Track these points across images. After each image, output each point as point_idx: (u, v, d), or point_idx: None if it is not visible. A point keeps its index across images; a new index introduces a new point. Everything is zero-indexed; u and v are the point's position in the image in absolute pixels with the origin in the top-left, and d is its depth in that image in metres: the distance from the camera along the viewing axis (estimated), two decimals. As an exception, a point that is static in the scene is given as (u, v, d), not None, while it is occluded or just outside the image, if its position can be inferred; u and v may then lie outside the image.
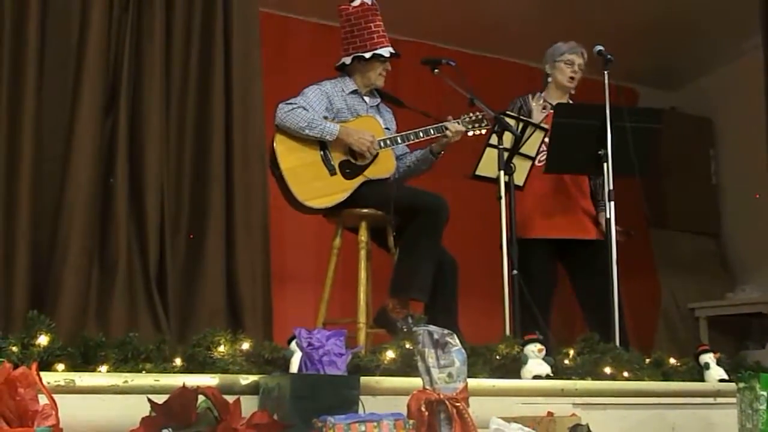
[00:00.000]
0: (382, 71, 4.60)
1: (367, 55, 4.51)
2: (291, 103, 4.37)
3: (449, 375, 2.77)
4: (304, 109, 4.36)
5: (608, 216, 4.47)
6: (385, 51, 4.53)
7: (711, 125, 7.74)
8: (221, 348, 3.02)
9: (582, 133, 4.58)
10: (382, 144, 4.45)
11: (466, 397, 2.78)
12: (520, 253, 4.68)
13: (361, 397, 2.76)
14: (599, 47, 4.64)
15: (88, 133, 3.37)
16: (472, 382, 2.91)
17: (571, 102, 5.05)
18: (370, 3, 4.51)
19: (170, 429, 2.40)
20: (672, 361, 4.05)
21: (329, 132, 4.35)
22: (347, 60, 4.55)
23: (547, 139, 4.66)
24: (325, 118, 4.42)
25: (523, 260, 4.72)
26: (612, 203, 4.49)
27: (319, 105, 4.44)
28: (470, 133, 4.59)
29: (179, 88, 3.70)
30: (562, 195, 4.90)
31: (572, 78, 4.98)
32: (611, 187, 4.49)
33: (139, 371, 2.88)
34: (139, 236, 3.47)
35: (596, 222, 4.95)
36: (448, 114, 4.60)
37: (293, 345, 2.97)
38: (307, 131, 4.33)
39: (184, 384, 2.52)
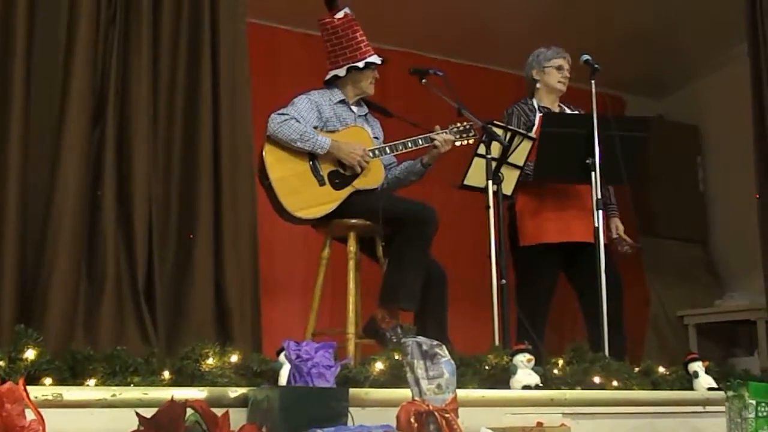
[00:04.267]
0: (372, 79, 4.64)
1: (361, 64, 4.54)
2: (283, 114, 4.38)
3: (438, 386, 2.77)
4: (296, 120, 4.37)
5: (596, 225, 4.47)
6: (377, 59, 4.57)
7: (698, 133, 7.77)
8: (210, 360, 3.01)
9: (569, 142, 4.59)
10: (371, 154, 4.46)
11: (456, 408, 2.78)
12: (527, 260, 4.72)
13: (350, 409, 2.75)
14: (586, 56, 4.66)
15: (76, 146, 3.35)
16: (462, 393, 2.91)
17: (561, 106, 5.07)
18: (351, 14, 4.54)
19: (159, 443, 2.39)
20: (661, 369, 4.06)
21: (320, 146, 4.36)
22: (341, 72, 4.57)
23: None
24: (315, 127, 4.43)
25: (530, 267, 4.76)
26: (600, 212, 4.50)
27: (309, 115, 4.45)
28: (458, 143, 4.61)
29: (167, 99, 3.68)
30: (565, 199, 4.88)
31: (562, 82, 5.02)
32: (599, 196, 4.50)
33: (128, 385, 2.86)
34: (127, 248, 3.44)
35: (605, 226, 4.96)
36: (436, 124, 4.61)
37: (282, 357, 2.96)
38: (299, 144, 4.34)
39: (172, 397, 2.51)
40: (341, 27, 4.53)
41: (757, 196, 5.11)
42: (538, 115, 4.91)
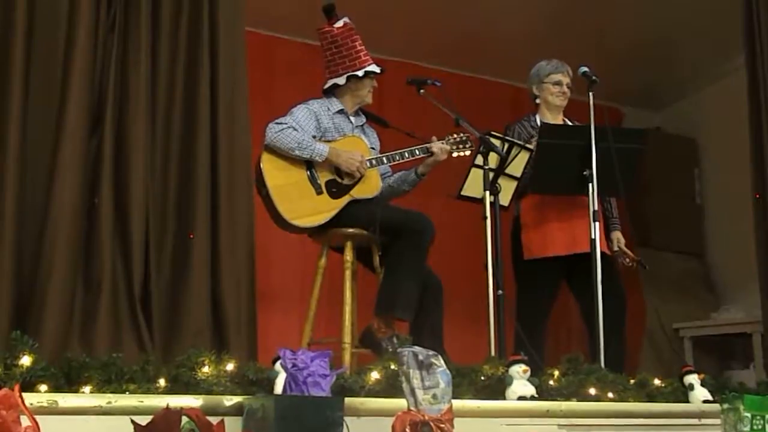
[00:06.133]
0: (371, 88, 4.65)
1: (360, 73, 4.55)
2: (281, 123, 4.38)
3: (434, 396, 2.77)
4: (294, 129, 4.37)
5: (593, 236, 4.47)
6: (376, 68, 4.58)
7: (695, 145, 7.78)
8: (205, 369, 3.01)
9: (567, 154, 4.59)
10: (368, 164, 4.46)
11: (451, 418, 2.78)
12: (530, 272, 4.74)
13: (346, 419, 2.74)
14: (584, 68, 4.66)
15: (73, 153, 3.35)
16: (457, 403, 2.91)
17: (566, 120, 5.07)
18: (350, 23, 4.55)
19: (153, 451, 2.39)
20: (656, 382, 4.05)
21: (319, 153, 4.36)
22: (340, 80, 4.57)
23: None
24: (313, 137, 4.44)
25: (533, 279, 4.77)
26: (597, 223, 4.50)
27: (308, 125, 4.45)
28: (454, 155, 4.62)
29: (165, 108, 3.69)
30: (570, 208, 4.84)
31: (560, 97, 5.00)
32: (596, 208, 4.50)
33: (123, 392, 2.86)
34: (124, 256, 3.45)
35: (607, 238, 4.97)
36: (434, 134, 4.61)
37: (278, 366, 2.95)
38: (297, 152, 4.34)
39: (167, 405, 2.51)
40: (341, 36, 4.54)
41: (757, 195, 5.10)
42: None
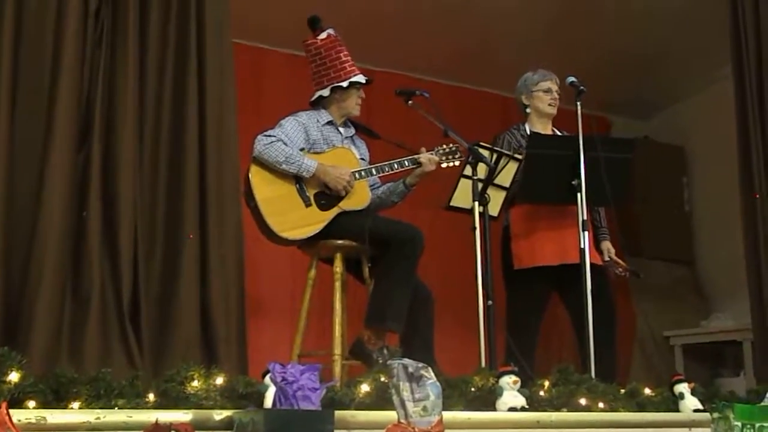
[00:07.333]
0: (358, 99, 4.64)
1: (345, 84, 4.54)
2: (270, 136, 4.37)
3: (424, 408, 2.77)
4: (283, 143, 4.36)
5: (582, 246, 4.47)
6: (361, 78, 4.58)
7: (683, 153, 7.82)
8: (195, 383, 2.99)
9: (555, 164, 4.59)
10: (357, 175, 4.46)
11: (442, 430, 2.78)
12: (520, 282, 4.74)
13: (336, 432, 2.75)
14: (572, 78, 4.66)
15: (61, 167, 3.35)
16: (447, 415, 2.90)
17: (555, 130, 5.08)
18: (334, 34, 4.55)
19: (143, 467, 2.38)
20: (647, 391, 4.05)
21: (306, 169, 4.35)
22: (325, 92, 4.57)
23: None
24: (302, 149, 4.43)
25: (523, 289, 4.76)
26: (586, 233, 4.50)
27: (297, 137, 4.45)
28: (444, 165, 4.62)
29: (153, 122, 3.69)
30: (560, 218, 4.82)
31: (552, 104, 5.01)
32: (585, 217, 4.50)
33: (112, 407, 2.84)
34: (113, 270, 3.44)
35: (597, 248, 4.97)
36: (422, 145, 4.61)
37: (267, 379, 2.95)
38: (284, 166, 4.33)
39: (157, 420, 2.51)
40: (324, 47, 4.54)
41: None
42: None
